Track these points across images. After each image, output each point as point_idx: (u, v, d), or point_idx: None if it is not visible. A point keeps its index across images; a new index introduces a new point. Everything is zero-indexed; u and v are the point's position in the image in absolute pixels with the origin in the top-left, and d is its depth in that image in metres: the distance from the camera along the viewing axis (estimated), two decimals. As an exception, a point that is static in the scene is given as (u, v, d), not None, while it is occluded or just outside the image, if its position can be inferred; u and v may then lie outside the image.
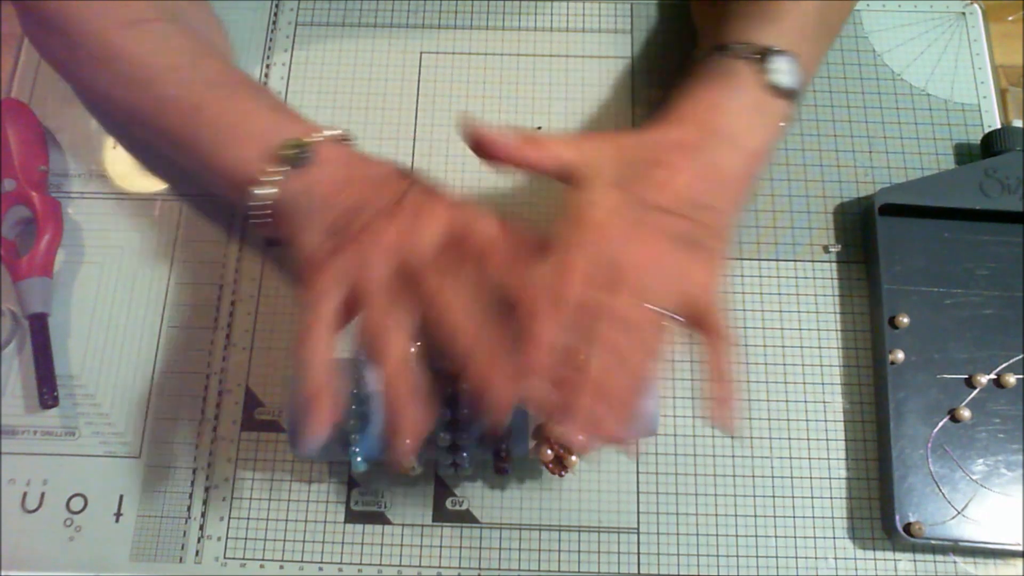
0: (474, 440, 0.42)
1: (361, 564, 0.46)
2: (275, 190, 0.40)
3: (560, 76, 0.56)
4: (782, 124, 0.42)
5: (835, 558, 0.46)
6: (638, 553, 0.46)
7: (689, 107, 0.41)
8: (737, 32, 0.43)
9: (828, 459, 0.47)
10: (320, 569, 0.46)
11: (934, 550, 0.46)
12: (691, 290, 0.37)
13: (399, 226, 0.38)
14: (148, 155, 0.54)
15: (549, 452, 0.41)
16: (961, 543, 0.44)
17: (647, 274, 0.36)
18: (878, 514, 0.46)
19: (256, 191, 0.40)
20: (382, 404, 0.36)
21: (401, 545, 0.46)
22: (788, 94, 0.41)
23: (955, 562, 0.45)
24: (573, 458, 0.42)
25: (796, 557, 0.46)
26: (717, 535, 0.46)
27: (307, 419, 0.36)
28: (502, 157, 0.39)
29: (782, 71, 0.41)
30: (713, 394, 0.37)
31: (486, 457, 0.43)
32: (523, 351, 0.34)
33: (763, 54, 0.41)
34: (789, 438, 0.48)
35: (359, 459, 0.41)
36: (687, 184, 0.38)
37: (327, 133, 0.42)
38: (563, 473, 0.42)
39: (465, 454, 0.42)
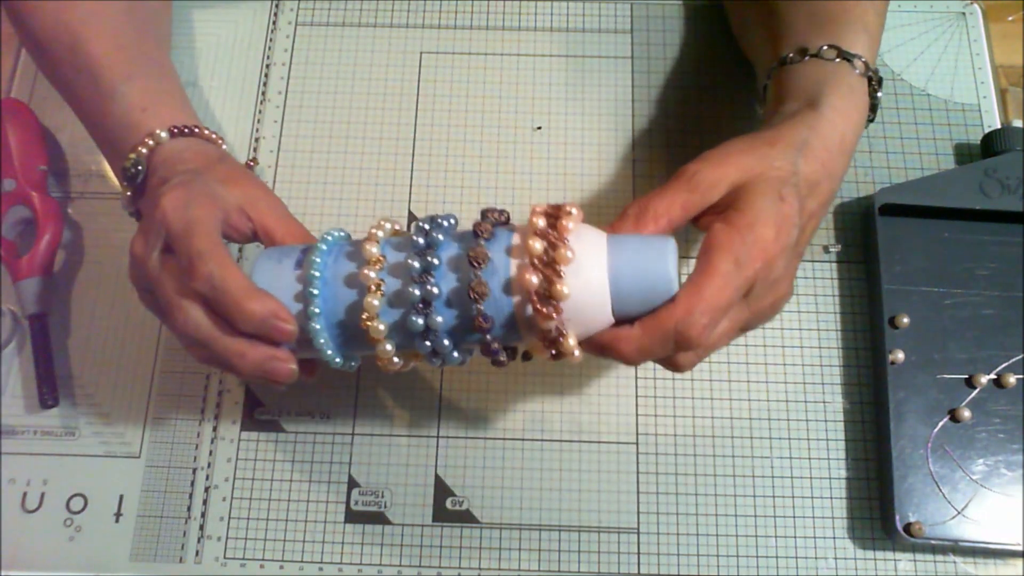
0: (450, 322, 0.35)
1: (361, 564, 0.46)
2: (131, 208, 0.43)
3: (560, 76, 0.56)
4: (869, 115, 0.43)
5: (835, 558, 0.46)
6: (638, 553, 0.46)
7: (795, 106, 0.41)
8: (821, 37, 0.43)
9: (828, 459, 0.47)
10: (320, 569, 0.46)
11: (934, 550, 0.46)
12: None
13: (138, 235, 0.39)
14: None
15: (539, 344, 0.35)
16: (961, 543, 0.44)
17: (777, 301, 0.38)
18: (878, 514, 0.46)
19: (126, 206, 0.44)
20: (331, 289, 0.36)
21: (401, 545, 0.46)
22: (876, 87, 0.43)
23: (955, 562, 0.45)
24: (571, 341, 0.34)
25: (796, 557, 0.46)
26: (717, 535, 0.46)
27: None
28: (671, 223, 0.37)
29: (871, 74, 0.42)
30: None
31: (471, 342, 0.37)
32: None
33: (850, 59, 0.41)
34: (789, 438, 0.48)
35: (322, 331, 0.36)
36: (816, 228, 0.39)
37: (161, 134, 0.42)
38: (558, 329, 0.34)
39: (446, 342, 0.35)
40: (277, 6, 0.58)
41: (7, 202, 0.51)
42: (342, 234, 0.39)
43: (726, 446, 0.48)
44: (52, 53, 0.45)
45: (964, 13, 0.57)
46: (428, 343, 0.35)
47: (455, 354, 0.36)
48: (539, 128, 0.55)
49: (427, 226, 0.36)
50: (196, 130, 0.44)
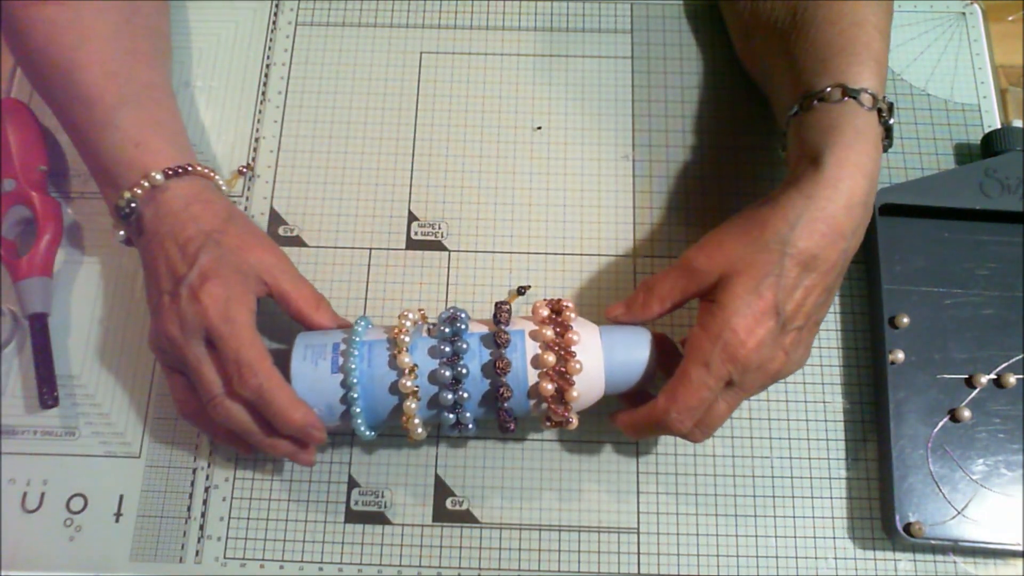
0: (476, 398, 0.42)
1: (361, 564, 0.46)
2: (123, 234, 0.45)
3: (560, 76, 0.56)
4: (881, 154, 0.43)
5: (835, 558, 0.46)
6: (638, 553, 0.46)
7: (811, 168, 0.41)
8: (826, 76, 0.42)
9: (828, 459, 0.47)
10: (320, 569, 0.46)
11: (934, 550, 0.46)
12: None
13: (172, 317, 0.42)
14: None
15: (548, 413, 0.42)
16: (961, 543, 0.44)
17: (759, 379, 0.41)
18: (878, 514, 0.46)
19: (118, 232, 0.45)
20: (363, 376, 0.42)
21: (401, 545, 0.46)
22: (888, 131, 0.43)
23: (955, 562, 0.45)
24: (573, 421, 0.42)
25: (796, 557, 0.46)
26: (717, 535, 0.46)
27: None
28: (650, 313, 0.43)
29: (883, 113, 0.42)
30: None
31: (488, 416, 0.43)
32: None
33: (856, 95, 0.41)
34: (789, 438, 0.48)
35: (364, 429, 0.42)
36: (818, 301, 0.41)
37: (156, 176, 0.43)
38: (566, 418, 0.42)
39: (468, 413, 0.42)
40: (277, 6, 0.58)
41: (7, 202, 0.51)
42: (365, 326, 0.43)
43: (726, 446, 0.48)
44: (47, 79, 0.45)
45: (964, 13, 0.57)
46: (452, 417, 0.42)
47: (471, 427, 0.43)
48: (539, 128, 0.55)
49: (447, 329, 0.42)
50: (190, 168, 0.45)
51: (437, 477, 0.47)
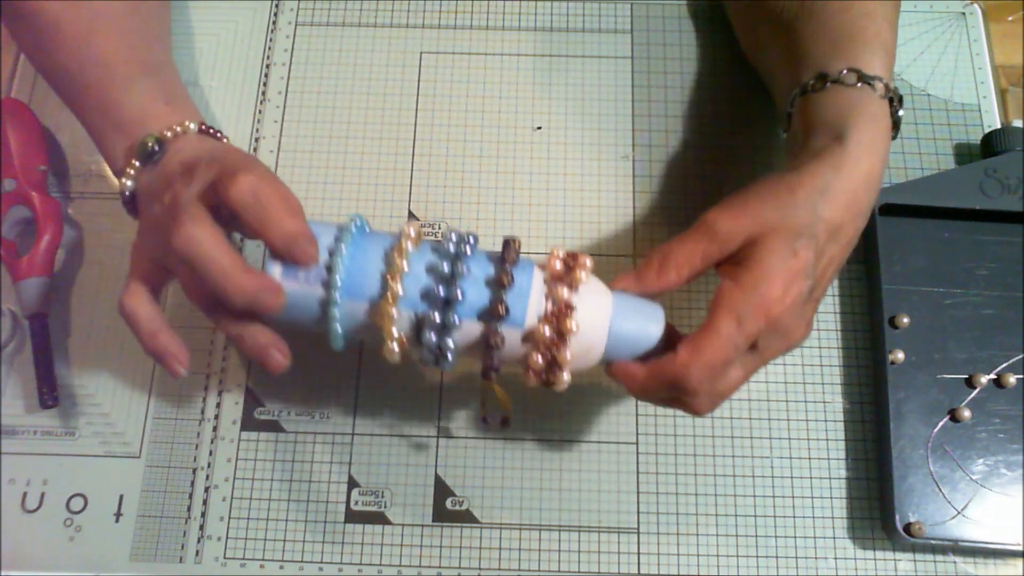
0: (463, 329, 0.37)
1: (361, 564, 0.46)
2: (131, 183, 0.42)
3: (560, 76, 0.56)
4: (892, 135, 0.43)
5: (835, 558, 0.46)
6: (638, 553, 0.46)
7: (821, 144, 0.40)
8: (840, 60, 0.42)
9: (828, 459, 0.47)
10: (320, 569, 0.46)
11: (934, 550, 0.46)
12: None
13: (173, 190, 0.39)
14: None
15: (538, 359, 0.38)
16: (961, 543, 0.44)
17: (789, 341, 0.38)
18: (878, 514, 0.46)
19: (124, 181, 0.42)
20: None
21: (401, 545, 0.46)
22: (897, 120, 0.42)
23: (955, 562, 0.45)
24: (564, 377, 0.38)
25: (796, 557, 0.46)
26: (717, 535, 0.46)
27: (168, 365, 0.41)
28: (676, 279, 0.39)
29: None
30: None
31: (471, 355, 0.39)
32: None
33: (871, 82, 0.41)
34: (789, 438, 0.48)
35: (337, 325, 0.38)
36: (833, 275, 0.39)
37: (191, 125, 0.43)
38: (552, 380, 0.38)
39: (451, 341, 0.37)
40: (277, 6, 0.58)
41: (7, 202, 0.51)
42: (362, 223, 0.40)
43: (726, 446, 0.48)
44: (57, 43, 0.44)
45: (964, 13, 0.57)
46: (434, 338, 0.37)
47: (450, 357, 0.38)
48: (539, 128, 0.55)
49: (454, 236, 0.38)
50: (219, 135, 0.44)
51: (437, 477, 0.47)
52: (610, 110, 0.55)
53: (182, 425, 0.48)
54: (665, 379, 0.37)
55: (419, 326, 0.38)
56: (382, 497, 0.47)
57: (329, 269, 0.37)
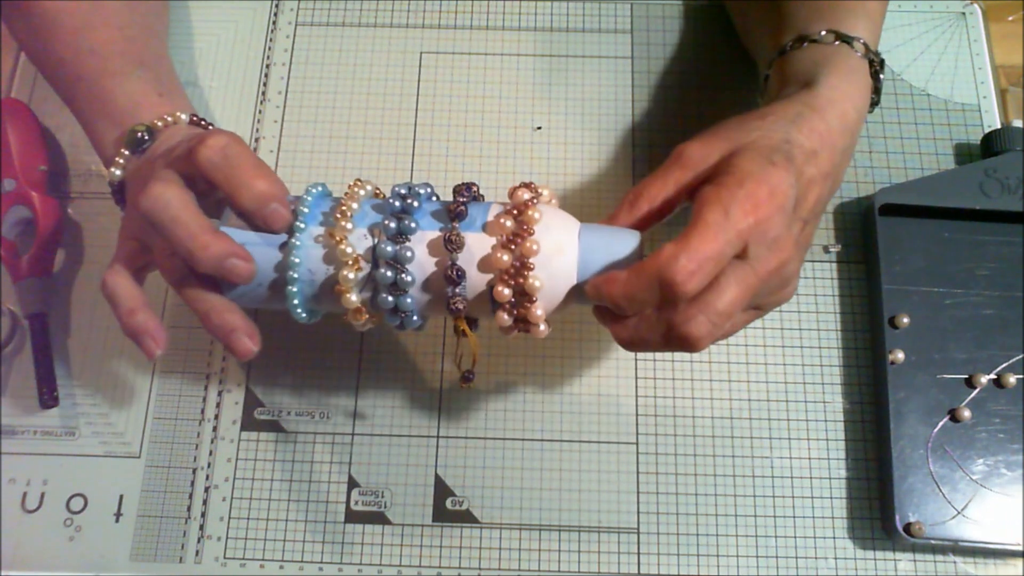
0: (419, 284, 0.37)
1: (361, 564, 0.46)
2: (119, 172, 0.42)
3: (560, 76, 0.56)
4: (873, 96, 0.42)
5: (835, 558, 0.46)
6: (638, 553, 0.46)
7: (796, 87, 0.40)
8: (820, 23, 0.42)
9: (828, 459, 0.47)
10: (320, 569, 0.46)
11: (934, 550, 0.46)
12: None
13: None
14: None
15: (505, 317, 0.36)
16: (961, 543, 0.44)
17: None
18: (878, 514, 0.46)
19: (112, 171, 0.42)
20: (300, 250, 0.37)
21: (401, 545, 0.46)
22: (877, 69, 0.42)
23: (955, 562, 0.45)
24: (541, 327, 0.36)
25: (796, 557, 0.46)
26: (717, 535, 0.46)
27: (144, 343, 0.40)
28: (656, 211, 0.37)
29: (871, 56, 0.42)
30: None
31: (436, 313, 0.38)
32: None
33: (849, 41, 0.41)
34: (789, 438, 0.48)
35: (300, 310, 0.38)
36: (820, 197, 0.37)
37: (182, 116, 0.43)
38: (526, 329, 0.36)
39: (409, 300, 0.36)
40: (277, 6, 0.59)
41: (7, 202, 0.51)
42: (321, 190, 0.39)
43: (726, 446, 0.48)
44: (53, 34, 0.45)
45: (964, 13, 0.57)
46: (392, 299, 0.37)
47: (415, 318, 0.37)
48: (539, 128, 0.55)
49: (404, 191, 0.37)
50: (211, 127, 0.44)
51: (437, 477, 0.47)
52: (610, 110, 0.55)
53: (182, 425, 0.48)
54: (651, 276, 0.33)
55: (375, 263, 0.36)
56: (382, 497, 0.47)
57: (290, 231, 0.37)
